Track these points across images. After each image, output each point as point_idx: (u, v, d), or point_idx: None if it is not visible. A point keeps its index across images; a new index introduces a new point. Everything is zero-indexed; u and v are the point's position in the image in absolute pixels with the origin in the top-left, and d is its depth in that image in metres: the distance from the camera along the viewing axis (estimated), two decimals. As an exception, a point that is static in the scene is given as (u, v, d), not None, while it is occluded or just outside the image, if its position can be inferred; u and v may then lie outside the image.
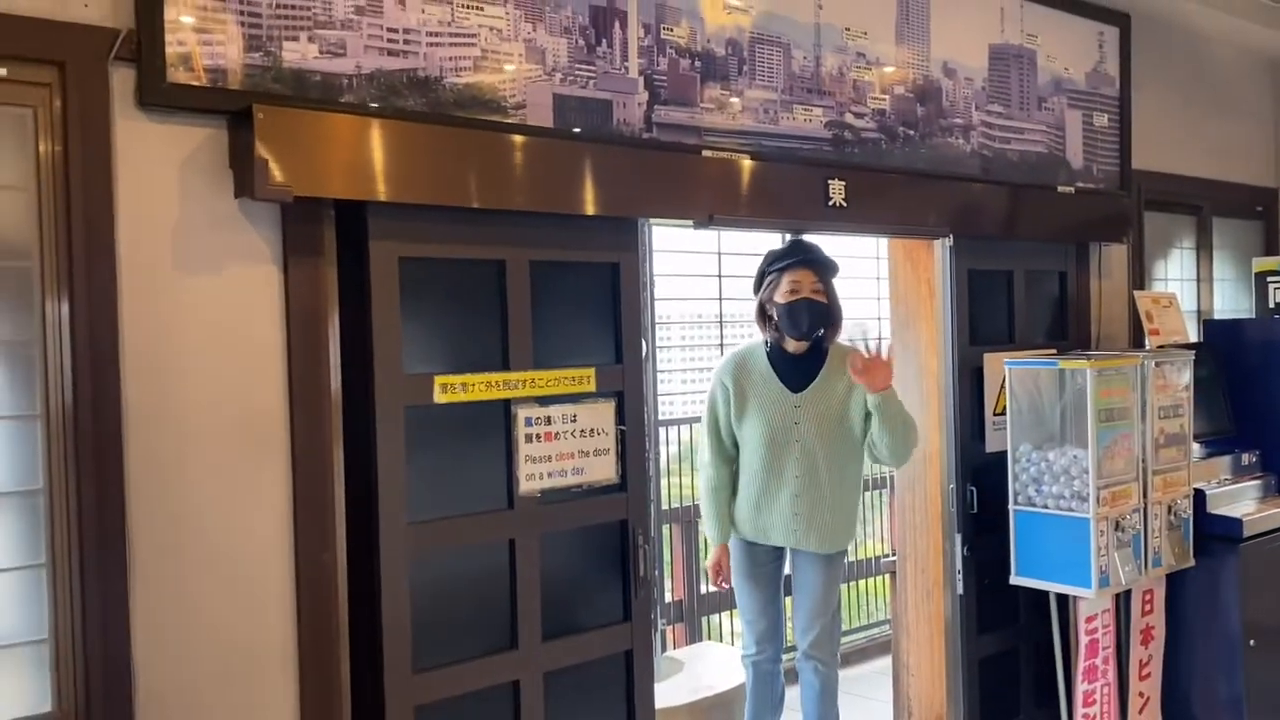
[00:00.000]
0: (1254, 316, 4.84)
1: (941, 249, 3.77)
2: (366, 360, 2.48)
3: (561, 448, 2.80)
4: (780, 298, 3.32)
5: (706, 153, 3.05)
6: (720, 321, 5.27)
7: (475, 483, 2.69)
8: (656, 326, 4.53)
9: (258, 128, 2.21)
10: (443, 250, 2.61)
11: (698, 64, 3.06)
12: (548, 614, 2.77)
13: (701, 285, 5.33)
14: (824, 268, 3.35)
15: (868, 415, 3.32)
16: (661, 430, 4.99)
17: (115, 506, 2.15)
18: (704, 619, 5.21)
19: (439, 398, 2.57)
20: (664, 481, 4.94)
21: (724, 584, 3.55)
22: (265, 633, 2.36)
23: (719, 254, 5.14)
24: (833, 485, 3.35)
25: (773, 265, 3.37)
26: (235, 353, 2.33)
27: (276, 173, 2.24)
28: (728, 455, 3.47)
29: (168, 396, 2.24)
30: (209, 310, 2.29)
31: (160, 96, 2.20)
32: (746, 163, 3.11)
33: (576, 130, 2.79)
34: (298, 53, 2.36)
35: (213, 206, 2.29)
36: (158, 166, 2.23)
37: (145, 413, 2.21)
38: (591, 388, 2.86)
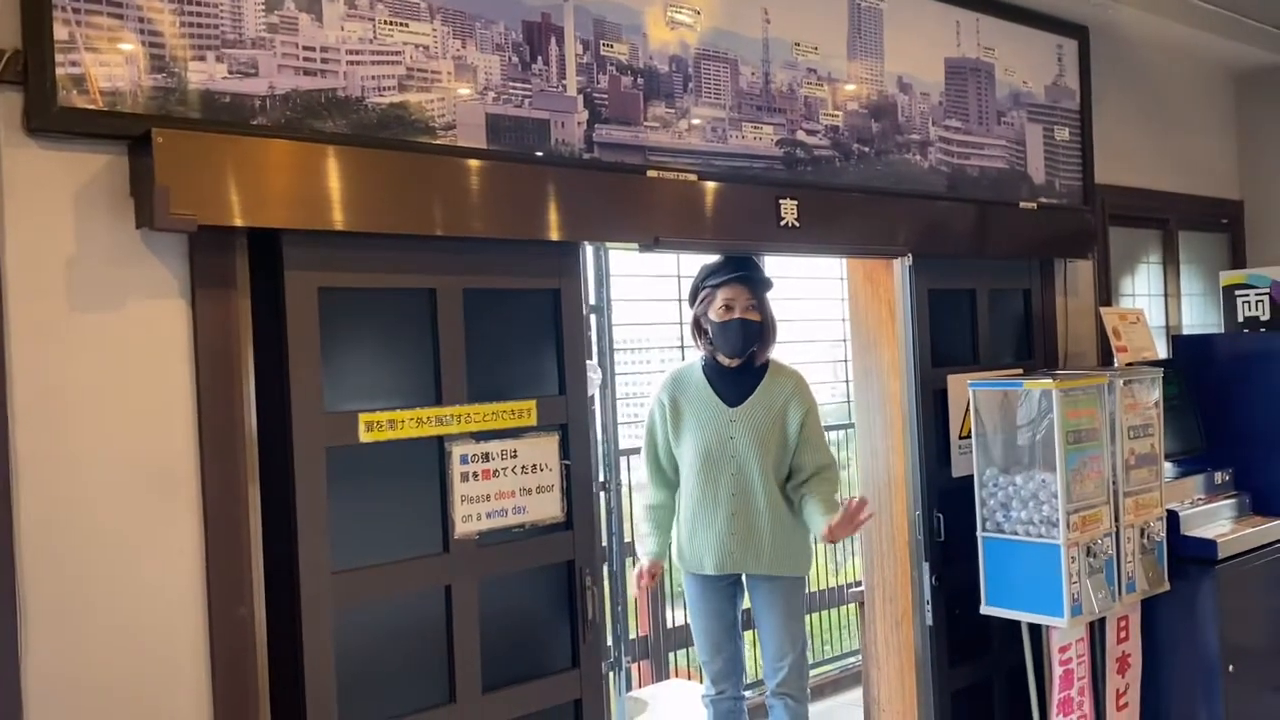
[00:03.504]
0: (1223, 331, 4.75)
1: (901, 269, 3.65)
2: (284, 399, 2.32)
3: (501, 486, 2.65)
4: (714, 315, 3.22)
5: (651, 173, 2.92)
6: (682, 346, 5.13)
7: (407, 526, 2.53)
8: (615, 352, 4.37)
9: (157, 153, 2.06)
10: (367, 280, 2.46)
11: (640, 81, 2.93)
12: (489, 664, 2.61)
13: (663, 310, 5.18)
14: (758, 284, 3.24)
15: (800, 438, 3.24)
16: (623, 460, 4.81)
17: (4, 572, 1.97)
18: (670, 654, 5.03)
19: (364, 437, 2.41)
20: (625, 511, 4.77)
21: (648, 588, 3.41)
22: (178, 699, 2.19)
23: (678, 277, 5.01)
24: (771, 504, 3.21)
25: (706, 280, 3.26)
26: (139, 395, 2.16)
27: (179, 201, 2.08)
28: (668, 480, 3.34)
29: (64, 446, 2.07)
30: (109, 350, 2.13)
31: (51, 121, 2.04)
32: (694, 183, 2.99)
33: (511, 151, 2.66)
34: (205, 73, 2.21)
35: (112, 239, 2.13)
36: (50, 197, 2.07)
37: (38, 465, 2.04)
38: (533, 421, 2.71)
